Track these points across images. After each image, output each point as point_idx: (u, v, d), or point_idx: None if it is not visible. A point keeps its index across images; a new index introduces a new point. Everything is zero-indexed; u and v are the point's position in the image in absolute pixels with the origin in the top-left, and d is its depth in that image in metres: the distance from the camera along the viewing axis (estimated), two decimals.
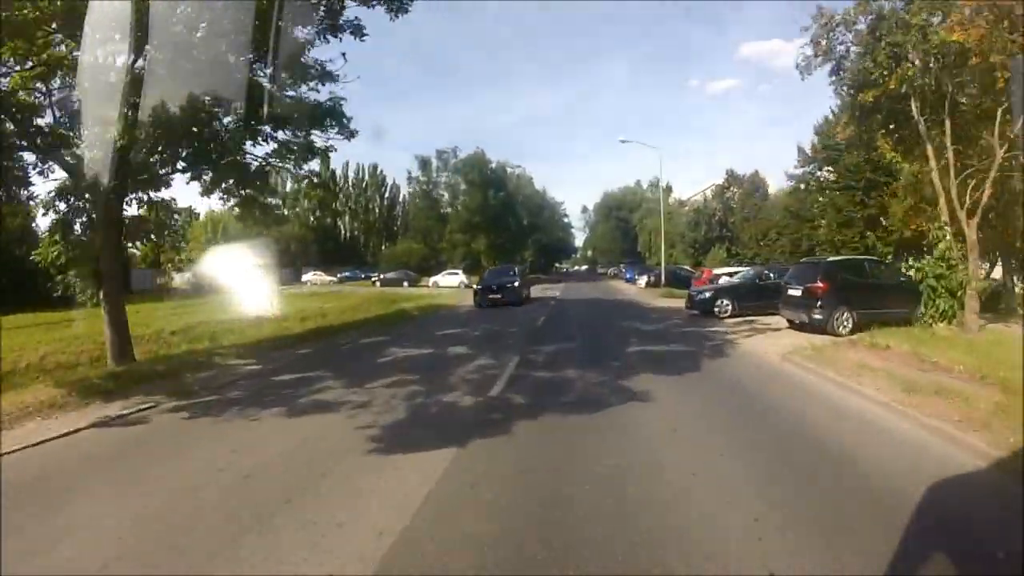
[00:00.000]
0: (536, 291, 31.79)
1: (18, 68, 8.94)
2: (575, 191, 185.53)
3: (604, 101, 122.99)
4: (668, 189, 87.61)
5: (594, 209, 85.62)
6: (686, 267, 36.57)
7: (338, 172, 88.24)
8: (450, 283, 41.53)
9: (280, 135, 10.77)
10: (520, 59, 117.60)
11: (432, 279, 42.89)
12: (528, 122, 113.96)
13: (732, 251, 43.51)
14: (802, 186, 32.66)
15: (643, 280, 34.48)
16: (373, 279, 46.05)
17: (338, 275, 57.75)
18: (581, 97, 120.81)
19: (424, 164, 43.81)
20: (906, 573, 2.79)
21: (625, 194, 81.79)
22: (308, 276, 54.08)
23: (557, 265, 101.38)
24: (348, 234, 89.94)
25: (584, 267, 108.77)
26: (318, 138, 10.95)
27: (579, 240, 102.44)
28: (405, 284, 43.05)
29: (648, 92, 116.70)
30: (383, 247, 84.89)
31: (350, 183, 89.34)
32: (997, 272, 16.57)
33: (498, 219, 42.30)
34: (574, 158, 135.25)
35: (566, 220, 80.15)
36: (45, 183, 10.07)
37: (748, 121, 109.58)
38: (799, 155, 32.97)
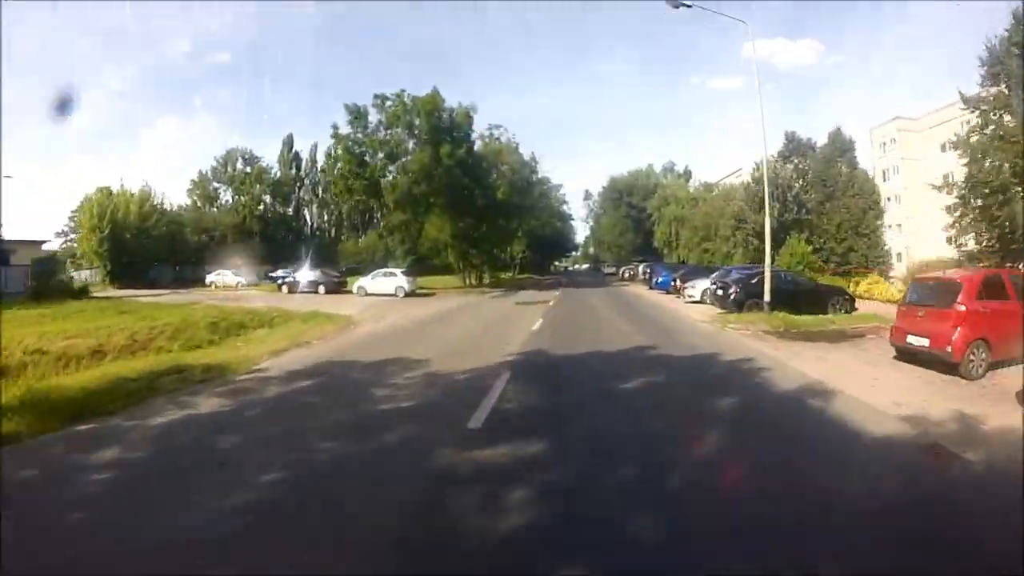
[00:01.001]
0: (495, 312, 16.14)
1: None
2: (577, 186, 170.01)
3: (605, 99, 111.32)
4: (687, 174, 71.71)
5: (599, 196, 69.45)
6: (783, 270, 20.40)
7: (304, 155, 73.53)
8: (383, 288, 25.98)
9: None
10: (520, 56, 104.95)
11: (358, 283, 27.35)
12: (528, 121, 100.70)
13: (812, 242, 27.78)
14: (995, 116, 16.81)
15: (695, 290, 18.63)
16: (280, 282, 30.65)
17: (268, 275, 41.90)
18: (583, 96, 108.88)
19: (357, 115, 28.26)
20: (906, 573, 2.58)
21: (636, 178, 65.60)
22: (213, 277, 38.78)
23: (556, 263, 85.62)
24: (314, 226, 75.07)
25: (585, 266, 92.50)
26: None
27: (580, 235, 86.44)
28: (320, 290, 27.59)
29: (650, 89, 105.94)
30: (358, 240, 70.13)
31: (318, 168, 74.04)
32: None
33: (457, 189, 26.52)
34: (576, 157, 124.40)
35: (565, 208, 64.25)
36: None
37: (750, 119, 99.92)
38: (986, 63, 17.11)
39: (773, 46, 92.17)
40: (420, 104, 26.37)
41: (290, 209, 71.55)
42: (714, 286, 15.91)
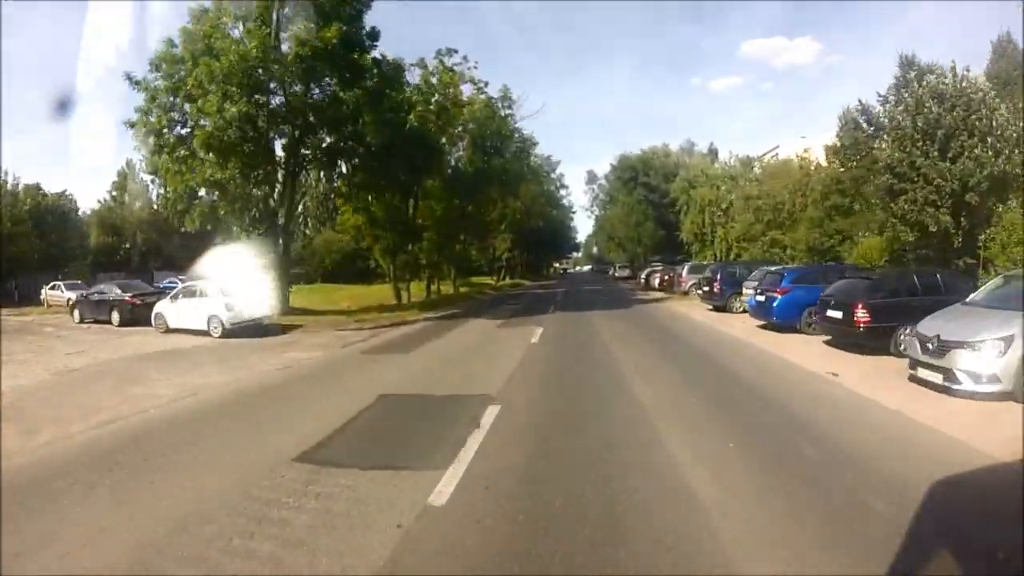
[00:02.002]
0: None
1: None
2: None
3: (605, 99, 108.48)
4: (713, 153, 57.00)
5: (606, 179, 54.93)
6: None
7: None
8: (191, 321, 12.55)
9: None
10: (520, 57, 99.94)
11: (156, 309, 13.71)
12: (528, 122, 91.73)
13: None
14: None
15: (990, 358, 5.29)
16: (69, 301, 17.45)
17: (155, 286, 28.33)
18: (582, 96, 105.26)
19: (200, 21, 14.84)
20: (906, 572, 2.43)
21: (652, 156, 51.43)
22: (47, 291, 25.82)
23: (556, 265, 71.43)
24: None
25: (587, 267, 77.35)
26: None
27: (583, 234, 71.94)
28: (115, 319, 14.30)
29: (650, 90, 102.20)
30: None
31: None
32: None
33: (328, 115, 13.17)
34: (576, 159, 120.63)
35: (563, 194, 50.29)
36: None
37: (750, 118, 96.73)
38: None
39: (772, 44, 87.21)
40: None
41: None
42: None
